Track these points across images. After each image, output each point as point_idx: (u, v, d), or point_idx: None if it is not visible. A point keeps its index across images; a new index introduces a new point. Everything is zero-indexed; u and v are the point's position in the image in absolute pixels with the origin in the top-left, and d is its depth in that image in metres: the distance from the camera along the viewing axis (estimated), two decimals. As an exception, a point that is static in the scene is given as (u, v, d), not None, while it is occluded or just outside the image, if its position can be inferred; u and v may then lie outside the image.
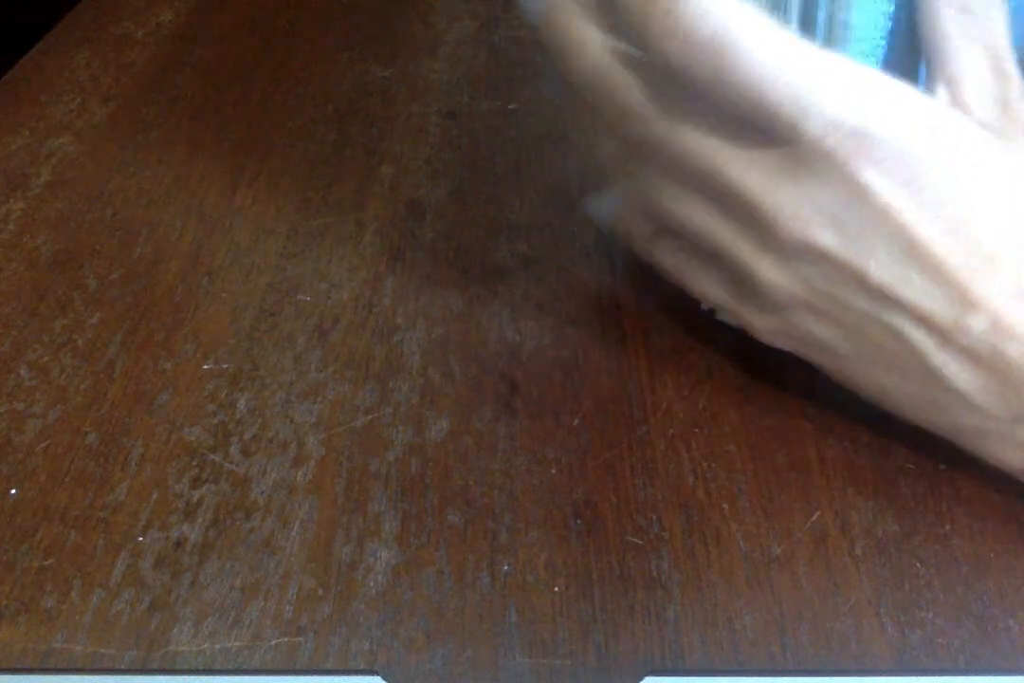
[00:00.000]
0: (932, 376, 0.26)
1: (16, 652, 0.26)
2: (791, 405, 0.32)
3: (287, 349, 0.35)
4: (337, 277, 0.38)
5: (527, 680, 0.25)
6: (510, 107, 0.48)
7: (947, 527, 0.29)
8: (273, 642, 0.26)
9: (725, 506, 0.29)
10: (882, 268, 0.25)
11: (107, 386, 0.34)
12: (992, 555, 0.28)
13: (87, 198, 0.43)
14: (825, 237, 0.25)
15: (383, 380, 0.34)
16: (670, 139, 0.27)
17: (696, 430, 0.32)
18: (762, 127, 0.25)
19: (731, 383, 0.33)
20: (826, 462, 0.31)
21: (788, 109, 0.24)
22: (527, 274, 0.38)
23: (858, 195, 0.24)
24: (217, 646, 0.26)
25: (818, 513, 0.29)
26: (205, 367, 0.34)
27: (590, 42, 0.27)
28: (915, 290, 0.25)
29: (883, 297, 0.25)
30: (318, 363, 0.34)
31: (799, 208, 0.25)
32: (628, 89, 0.27)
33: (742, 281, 0.29)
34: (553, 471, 0.31)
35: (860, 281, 0.26)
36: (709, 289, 0.30)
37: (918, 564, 0.28)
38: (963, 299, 0.25)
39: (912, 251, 0.25)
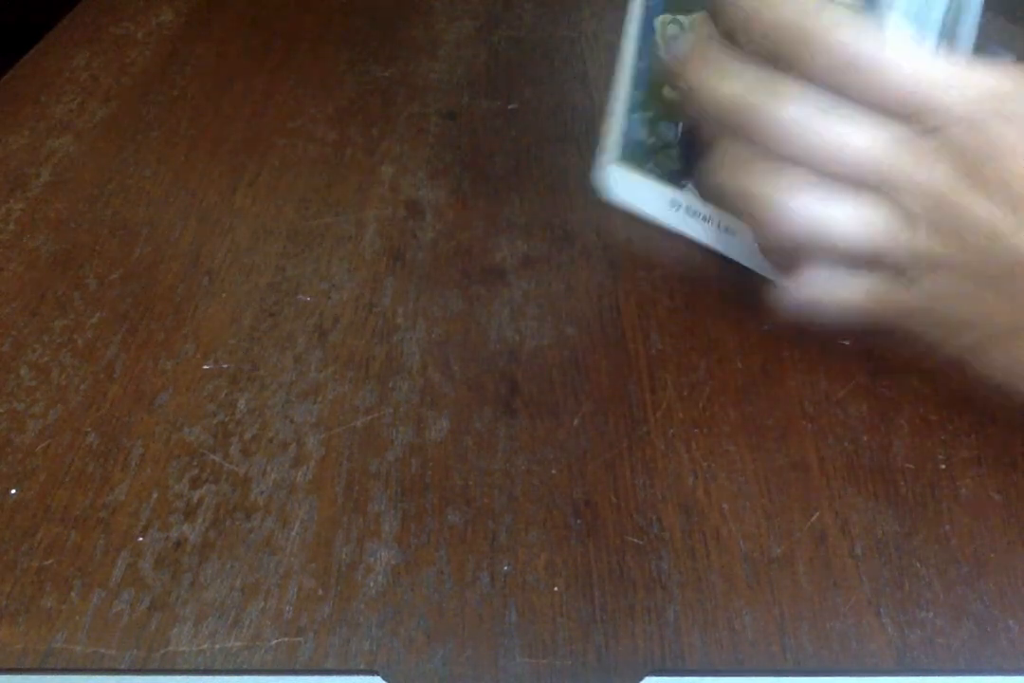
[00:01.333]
0: None
1: (16, 652, 0.26)
2: (791, 405, 0.32)
3: (287, 349, 0.35)
4: (337, 277, 0.38)
5: (527, 680, 0.25)
6: (510, 107, 0.48)
7: (947, 527, 0.29)
8: (273, 642, 0.26)
9: (725, 506, 0.29)
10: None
11: (107, 386, 0.34)
12: (992, 555, 0.28)
13: (87, 198, 0.43)
14: (982, 207, 0.27)
15: (383, 380, 0.34)
16: (824, 139, 0.28)
17: (696, 430, 0.32)
18: (915, 119, 0.27)
19: (731, 383, 0.33)
20: (826, 462, 0.31)
21: (940, 97, 0.27)
22: (527, 274, 0.38)
23: (1001, 163, 0.27)
24: (217, 646, 0.26)
25: (818, 513, 0.29)
26: (205, 367, 0.34)
27: (728, 78, 0.29)
28: None
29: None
30: (318, 363, 0.34)
31: (953, 182, 0.27)
32: (775, 107, 0.29)
33: (890, 273, 0.29)
34: (553, 471, 0.31)
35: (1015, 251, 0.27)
36: (860, 298, 0.31)
37: (918, 564, 0.28)
38: None
39: None
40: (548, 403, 0.33)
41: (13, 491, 0.30)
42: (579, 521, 0.29)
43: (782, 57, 0.28)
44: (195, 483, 0.30)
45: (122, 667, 0.26)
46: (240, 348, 0.35)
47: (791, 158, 0.29)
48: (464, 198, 0.42)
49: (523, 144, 0.45)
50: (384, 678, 0.25)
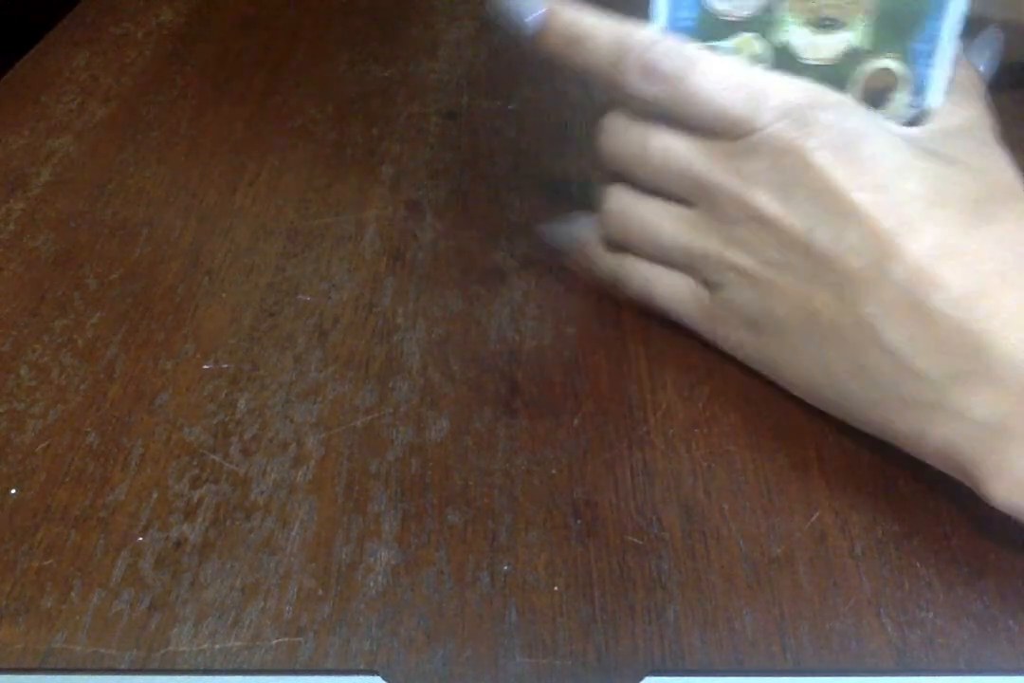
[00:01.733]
0: (864, 334, 0.28)
1: (16, 652, 0.26)
2: (791, 405, 0.32)
3: (287, 349, 0.35)
4: (337, 277, 0.38)
5: (527, 680, 0.25)
6: (510, 107, 0.48)
7: (947, 527, 0.29)
8: (273, 642, 0.26)
9: (725, 506, 0.29)
10: (821, 229, 0.28)
11: (107, 386, 0.34)
12: (992, 555, 0.28)
13: (87, 198, 0.43)
14: (773, 207, 0.29)
15: (383, 380, 0.34)
16: (648, 154, 0.31)
17: (696, 430, 0.32)
18: (722, 130, 0.30)
19: (731, 383, 0.33)
20: (826, 462, 0.31)
21: (742, 109, 0.29)
22: (527, 274, 0.38)
23: (801, 163, 0.28)
24: (217, 646, 0.26)
25: (818, 513, 0.29)
26: (205, 367, 0.34)
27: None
28: (848, 247, 0.28)
29: (824, 259, 0.28)
30: (318, 363, 0.34)
31: (753, 184, 0.29)
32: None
33: (701, 279, 0.32)
34: (553, 471, 0.31)
35: (805, 247, 0.28)
36: (670, 298, 0.34)
37: (918, 564, 0.28)
38: (886, 251, 0.27)
39: (844, 208, 0.28)
40: (548, 403, 0.33)
41: (13, 491, 0.30)
42: (579, 521, 0.29)
43: (603, 78, 0.31)
44: (195, 483, 0.30)
45: (122, 667, 0.26)
46: (240, 348, 0.35)
47: (623, 168, 0.32)
48: (464, 198, 0.42)
49: (523, 144, 0.45)
50: (384, 678, 0.25)
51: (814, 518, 0.29)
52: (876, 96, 0.30)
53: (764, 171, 0.29)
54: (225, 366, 0.34)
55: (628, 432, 0.32)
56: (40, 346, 0.35)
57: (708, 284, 0.32)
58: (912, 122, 0.30)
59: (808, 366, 0.30)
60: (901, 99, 0.30)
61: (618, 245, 0.34)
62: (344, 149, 0.45)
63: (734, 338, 0.32)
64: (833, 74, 0.30)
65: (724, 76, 0.29)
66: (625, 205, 0.33)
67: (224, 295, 0.37)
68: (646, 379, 0.34)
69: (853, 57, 0.30)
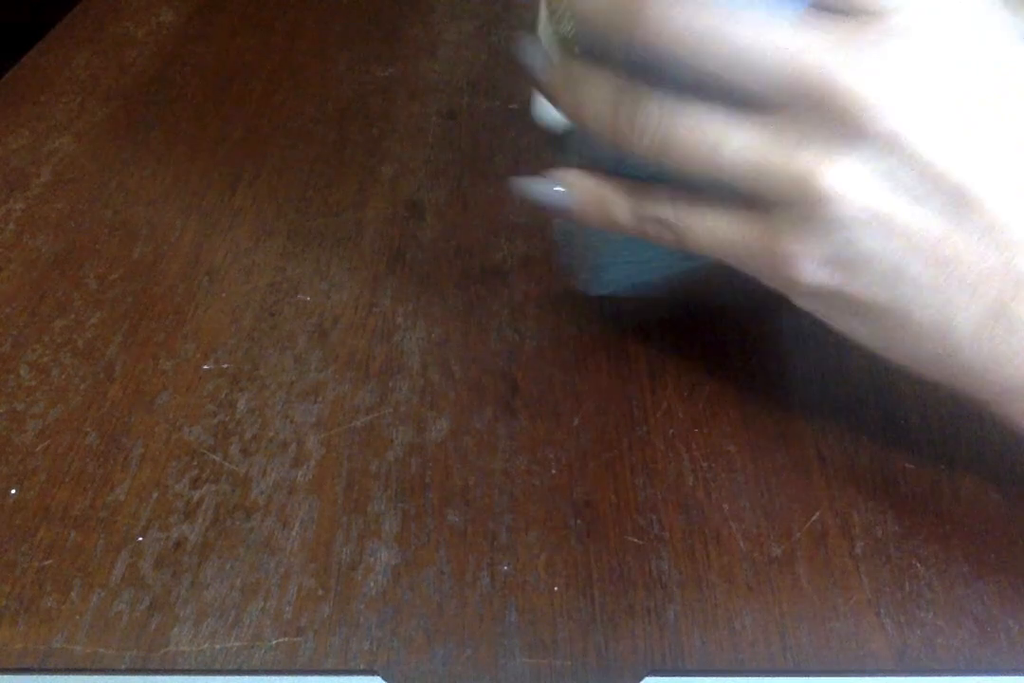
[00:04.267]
0: (1009, 287, 0.24)
1: (16, 652, 0.26)
2: (791, 405, 0.32)
3: (287, 349, 0.35)
4: (337, 277, 0.38)
5: (527, 680, 0.25)
6: (510, 107, 0.48)
7: (947, 527, 0.29)
8: (273, 642, 0.26)
9: (725, 506, 0.29)
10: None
11: (107, 386, 0.34)
12: (992, 555, 0.28)
13: (87, 198, 0.43)
14: (912, 135, 0.23)
15: (383, 380, 0.34)
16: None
17: (696, 430, 0.32)
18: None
19: (731, 383, 0.33)
20: (826, 462, 0.31)
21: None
22: (527, 274, 0.38)
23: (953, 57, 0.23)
24: (217, 646, 0.26)
25: (818, 513, 0.29)
26: (205, 367, 0.34)
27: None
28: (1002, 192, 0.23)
29: (958, 193, 0.23)
30: (318, 363, 0.34)
31: (881, 86, 0.23)
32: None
33: (777, 215, 0.25)
34: (553, 471, 0.31)
35: (936, 176, 0.23)
36: (724, 238, 0.26)
37: (918, 564, 0.28)
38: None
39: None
40: (548, 403, 0.33)
41: (13, 491, 0.30)
42: (579, 521, 0.29)
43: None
44: (195, 483, 0.30)
45: (122, 667, 0.26)
46: (240, 348, 0.35)
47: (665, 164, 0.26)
48: (464, 198, 0.42)
49: (523, 144, 0.45)
50: (384, 678, 0.25)
51: (814, 518, 0.29)
52: None
53: (900, 68, 0.22)
54: (225, 366, 0.34)
55: (628, 432, 0.32)
56: (40, 346, 0.35)
57: (779, 220, 0.25)
58: None
59: (921, 318, 0.25)
60: None
61: (641, 181, 0.28)
62: (344, 149, 0.45)
63: (817, 279, 0.25)
64: None
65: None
66: (667, 111, 0.25)
67: (224, 295, 0.37)
68: (646, 379, 0.34)
69: None
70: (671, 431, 0.32)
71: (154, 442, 0.32)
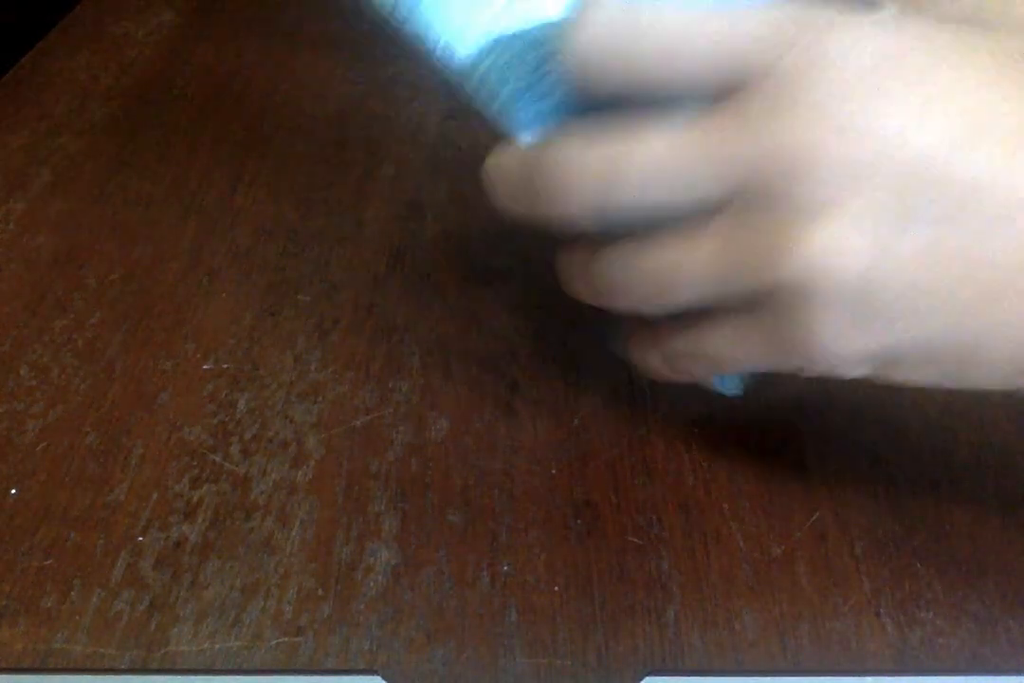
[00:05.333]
0: None
1: (16, 652, 0.26)
2: (791, 405, 0.32)
3: (287, 349, 0.35)
4: (337, 277, 0.38)
5: (527, 680, 0.25)
6: (510, 107, 0.48)
7: (947, 527, 0.29)
8: (273, 642, 0.26)
9: (725, 506, 0.29)
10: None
11: (107, 386, 0.34)
12: (992, 555, 0.28)
13: (87, 198, 0.43)
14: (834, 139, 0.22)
15: (383, 380, 0.34)
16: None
17: (696, 430, 0.32)
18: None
19: (731, 383, 0.33)
20: (826, 462, 0.31)
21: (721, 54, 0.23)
22: (527, 274, 0.38)
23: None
24: (217, 646, 0.26)
25: (818, 513, 0.29)
26: (205, 367, 0.34)
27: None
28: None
29: (939, 190, 0.21)
30: (318, 363, 0.34)
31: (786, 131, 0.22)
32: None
33: (779, 308, 0.23)
34: (553, 471, 0.31)
35: (903, 188, 0.22)
36: (751, 349, 0.25)
37: (918, 564, 0.28)
38: None
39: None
40: (548, 403, 0.33)
41: (13, 491, 0.30)
42: (579, 521, 0.29)
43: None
44: (195, 483, 0.30)
45: (122, 667, 0.26)
46: (240, 348, 0.35)
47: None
48: (464, 198, 0.42)
49: (523, 144, 0.45)
50: (384, 678, 0.25)
51: (814, 518, 0.29)
52: None
53: (806, 115, 0.21)
54: (225, 366, 0.34)
55: (628, 432, 0.32)
56: (40, 346, 0.35)
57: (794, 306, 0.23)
58: None
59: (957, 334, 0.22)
60: None
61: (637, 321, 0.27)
62: (344, 149, 0.45)
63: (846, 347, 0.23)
64: None
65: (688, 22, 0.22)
66: (615, 260, 0.25)
67: (224, 295, 0.37)
68: (646, 379, 0.33)
69: None
70: (671, 431, 0.32)
71: (154, 442, 0.32)
